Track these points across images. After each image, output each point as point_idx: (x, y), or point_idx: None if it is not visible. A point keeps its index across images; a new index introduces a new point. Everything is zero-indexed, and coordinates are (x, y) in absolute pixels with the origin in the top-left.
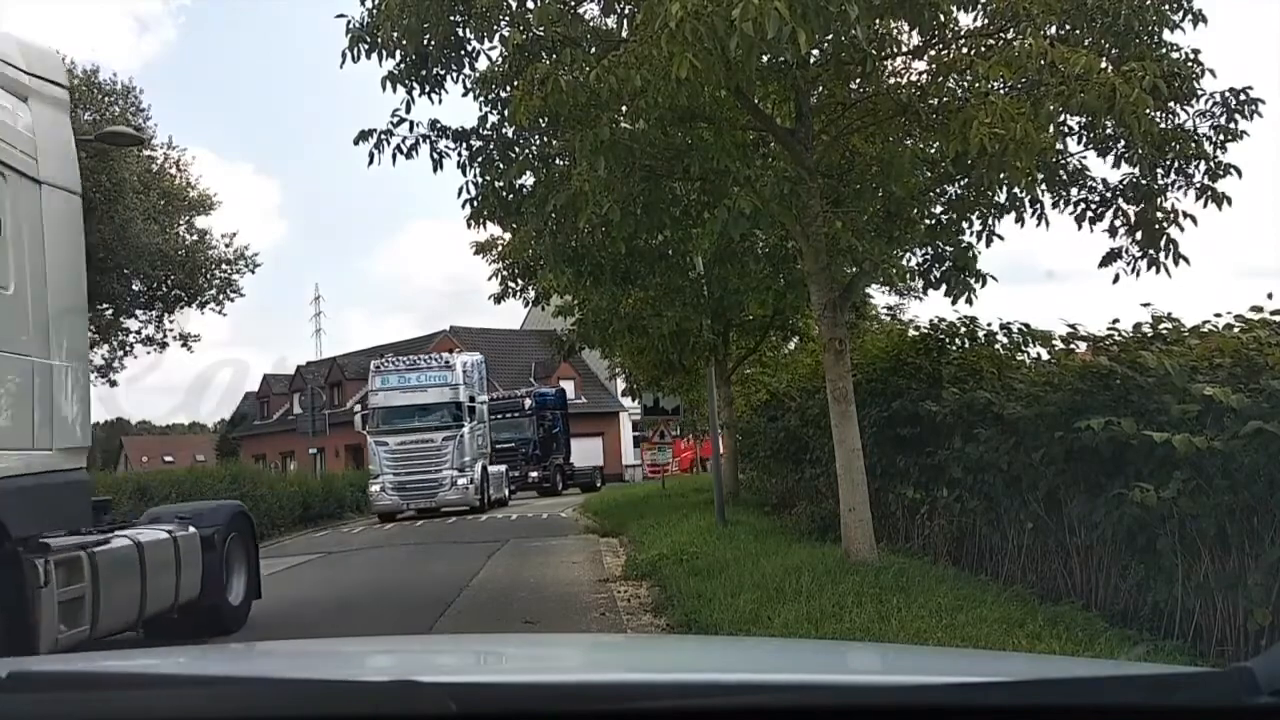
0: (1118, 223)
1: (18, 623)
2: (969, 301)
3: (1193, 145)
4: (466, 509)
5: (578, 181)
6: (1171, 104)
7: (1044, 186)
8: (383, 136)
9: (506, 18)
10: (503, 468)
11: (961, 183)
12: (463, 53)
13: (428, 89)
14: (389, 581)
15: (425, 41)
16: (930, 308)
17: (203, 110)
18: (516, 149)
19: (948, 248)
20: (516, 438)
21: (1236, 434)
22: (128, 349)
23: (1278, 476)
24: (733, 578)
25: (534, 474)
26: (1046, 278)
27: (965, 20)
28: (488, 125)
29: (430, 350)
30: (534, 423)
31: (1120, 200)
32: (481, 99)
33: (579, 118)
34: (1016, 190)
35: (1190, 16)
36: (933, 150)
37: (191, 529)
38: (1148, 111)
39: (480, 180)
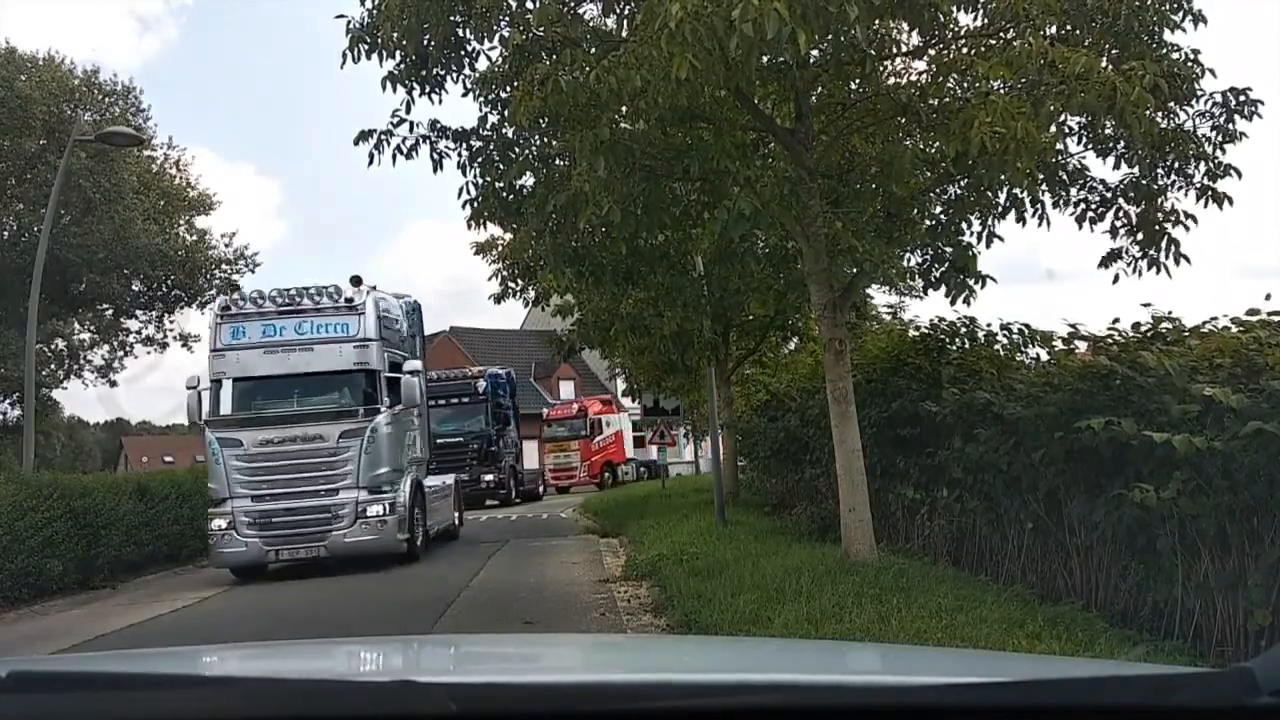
0: (1118, 223)
1: None
2: (968, 301)
3: (1192, 146)
4: (385, 556)
5: (578, 182)
6: (1171, 104)
7: (1044, 186)
8: (383, 137)
9: (506, 18)
10: (449, 479)
11: (962, 183)
12: (463, 53)
13: (428, 89)
14: (389, 581)
15: (425, 42)
16: (930, 307)
17: (204, 110)
18: (516, 149)
19: (948, 248)
20: (467, 432)
21: (1236, 434)
22: (128, 349)
23: (1278, 476)
24: (733, 578)
25: (488, 478)
26: (1047, 278)
27: (965, 20)
28: (488, 125)
29: (430, 352)
30: (488, 413)
31: (1121, 200)
32: (481, 99)
33: (579, 118)
34: (1017, 190)
35: (1190, 17)
36: (933, 150)
37: None
38: (1148, 111)
39: (480, 180)
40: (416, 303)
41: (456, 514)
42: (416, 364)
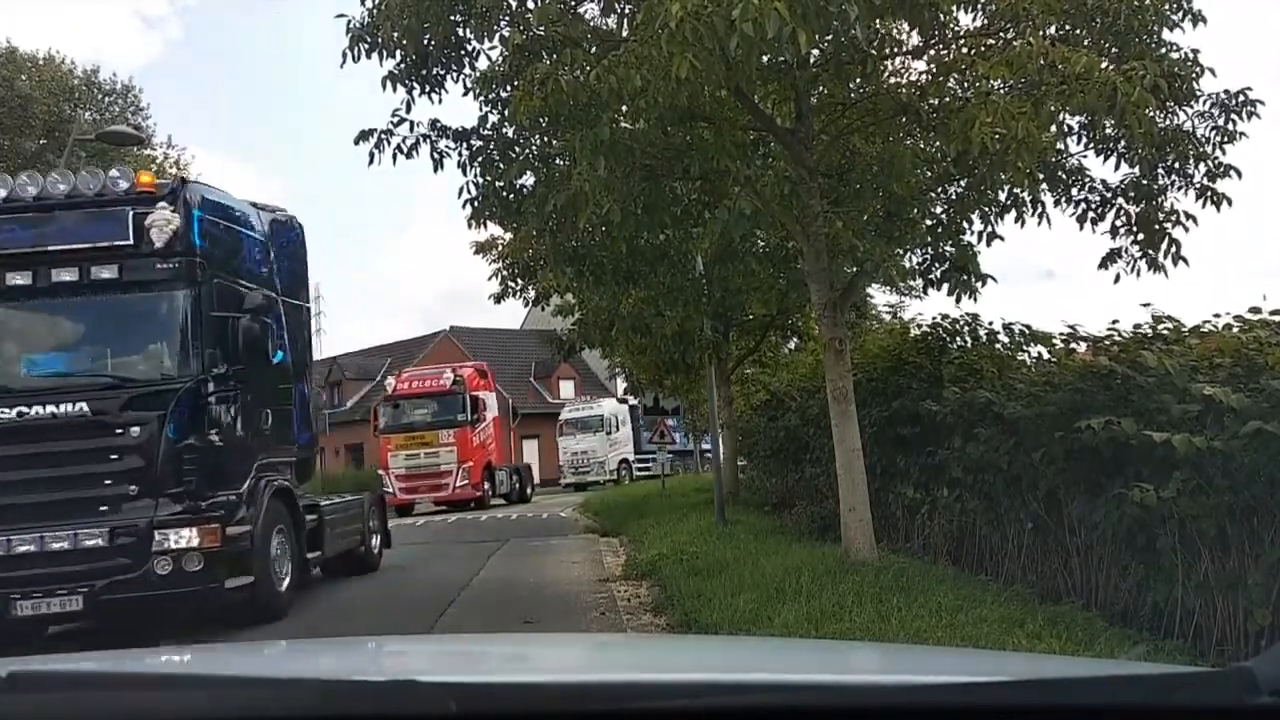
0: (1118, 223)
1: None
2: (973, 299)
3: (1191, 146)
4: None
5: (578, 181)
6: (1170, 104)
7: (1045, 186)
8: (383, 136)
9: (506, 18)
10: None
11: (962, 183)
12: (463, 53)
13: (428, 89)
14: (389, 580)
15: (425, 41)
16: (931, 306)
17: (206, 109)
18: (517, 149)
19: (948, 247)
20: (93, 390)
21: (1236, 434)
22: None
23: (1278, 476)
24: (733, 577)
25: (181, 538)
26: (1047, 277)
27: (965, 20)
28: (488, 125)
29: (430, 352)
30: (191, 316)
31: (1121, 200)
32: (482, 99)
33: (579, 118)
34: (1018, 190)
35: (1189, 16)
36: (933, 150)
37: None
38: (1148, 111)
39: (481, 180)
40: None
41: None
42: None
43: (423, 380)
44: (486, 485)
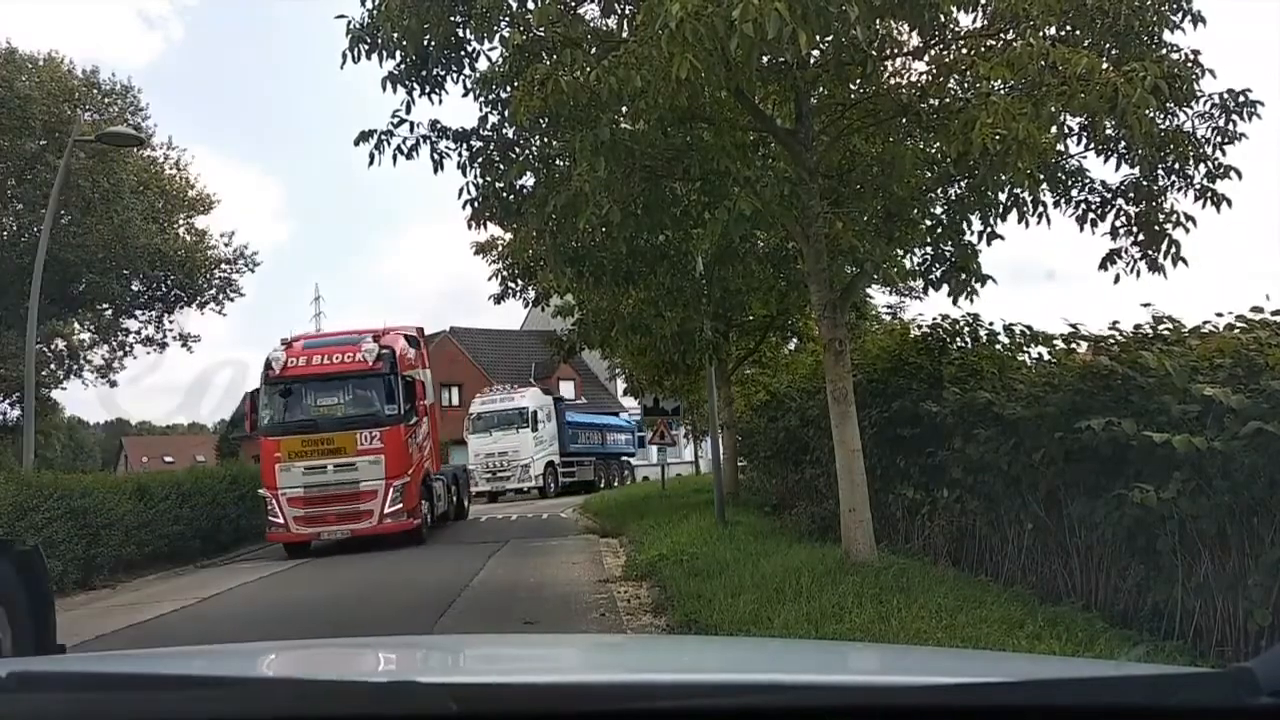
0: (1119, 224)
1: None
2: (971, 299)
3: (1191, 147)
4: None
5: (578, 182)
6: (1171, 105)
7: (1045, 186)
8: (383, 137)
9: (506, 18)
10: None
11: (962, 183)
12: (463, 53)
13: (428, 89)
14: (389, 581)
15: (425, 42)
16: (931, 307)
17: (207, 110)
18: (517, 149)
19: (948, 248)
20: None
21: (1236, 434)
22: (128, 349)
23: (1278, 476)
24: (733, 578)
25: None
26: (1047, 278)
27: (965, 21)
28: (488, 126)
29: (429, 353)
30: None
31: (1121, 201)
32: (482, 99)
33: (579, 118)
34: (1018, 191)
35: (1190, 17)
36: (934, 150)
37: None
38: (1149, 112)
39: (481, 181)
40: None
41: None
42: None
43: (328, 353)
44: (424, 506)
